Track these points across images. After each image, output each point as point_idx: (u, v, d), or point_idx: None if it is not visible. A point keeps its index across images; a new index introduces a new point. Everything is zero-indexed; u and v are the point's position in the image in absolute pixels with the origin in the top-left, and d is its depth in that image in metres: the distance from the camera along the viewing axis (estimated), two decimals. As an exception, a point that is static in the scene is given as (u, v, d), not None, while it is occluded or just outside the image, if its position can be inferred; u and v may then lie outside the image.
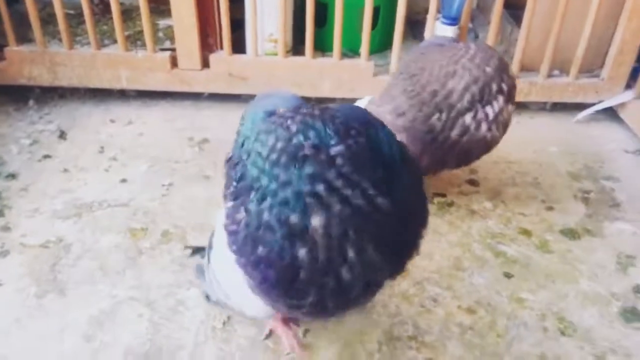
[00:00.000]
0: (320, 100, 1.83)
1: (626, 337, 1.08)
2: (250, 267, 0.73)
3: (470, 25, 2.08)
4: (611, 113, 1.81)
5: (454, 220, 1.36)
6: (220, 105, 1.79)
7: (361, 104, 1.36)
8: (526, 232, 1.33)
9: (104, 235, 1.27)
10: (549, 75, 1.75)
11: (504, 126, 1.25)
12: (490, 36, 1.67)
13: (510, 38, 1.86)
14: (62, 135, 1.63)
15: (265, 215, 0.69)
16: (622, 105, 1.77)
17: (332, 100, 1.82)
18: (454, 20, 1.53)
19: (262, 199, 0.70)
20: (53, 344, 1.02)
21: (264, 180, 0.70)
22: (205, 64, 1.72)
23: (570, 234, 1.33)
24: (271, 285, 0.73)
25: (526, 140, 1.68)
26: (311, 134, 0.70)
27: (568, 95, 1.78)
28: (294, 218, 0.68)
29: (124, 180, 1.45)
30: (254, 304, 0.83)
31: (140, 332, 1.04)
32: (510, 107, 1.24)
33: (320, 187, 0.67)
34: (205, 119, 1.73)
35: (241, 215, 0.73)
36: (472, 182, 1.50)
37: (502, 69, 1.22)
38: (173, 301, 1.11)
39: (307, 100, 1.80)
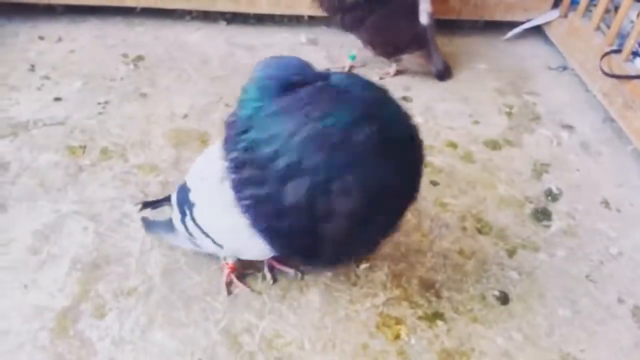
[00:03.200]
0: (258, 17, 1.82)
1: (535, 234, 1.21)
2: (269, 236, 0.77)
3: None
4: (538, 31, 1.89)
5: (388, 134, 1.43)
6: (154, 21, 1.74)
7: None
8: (452, 144, 1.42)
9: (42, 153, 1.27)
10: (481, -6, 1.80)
11: None
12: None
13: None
14: (-11, 53, 1.56)
15: (291, 197, 0.71)
16: (548, 23, 1.85)
17: (271, 17, 1.81)
18: None
19: (285, 180, 0.71)
20: (-1, 257, 1.05)
21: (284, 161, 0.70)
22: (137, -24, 1.66)
23: (492, 144, 1.44)
24: (290, 252, 0.81)
25: (457, 58, 1.74)
26: (335, 119, 0.71)
27: (499, 14, 1.84)
28: (321, 202, 0.71)
29: (58, 99, 1.42)
30: (254, 252, 0.89)
31: (86, 243, 1.08)
32: None
33: (350, 177, 0.70)
34: (139, 35, 1.69)
35: (258, 191, 0.74)
36: (405, 99, 1.57)
37: None
38: (117, 214, 1.15)
39: (244, 16, 1.79)
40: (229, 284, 1.04)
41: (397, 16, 1.49)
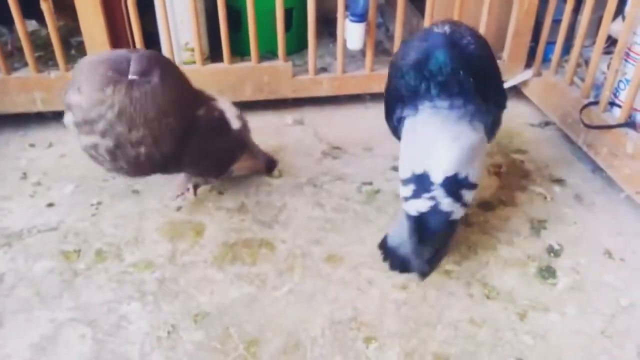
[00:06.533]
0: (243, 104, 1.86)
1: (543, 294, 1.19)
2: None
3: (381, 19, 2.18)
4: (515, 91, 1.95)
5: (382, 205, 1.44)
6: (143, 118, 1.78)
7: None
8: (448, 209, 1.42)
9: (37, 261, 1.25)
10: (456, 61, 1.86)
11: None
12: (397, 29, 1.76)
13: (417, 30, 1.96)
14: (-20, 165, 1.57)
15: None
16: (524, 83, 1.91)
17: (255, 102, 1.86)
18: (361, 17, 1.61)
19: None
20: (-6, 376, 1.01)
21: None
22: (123, 78, 1.71)
23: (487, 206, 1.44)
24: None
25: (441, 124, 1.78)
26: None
27: (475, 78, 1.90)
28: None
29: (50, 204, 1.42)
30: None
31: (84, 351, 1.04)
32: None
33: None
34: (129, 133, 1.72)
35: None
36: (395, 169, 1.58)
37: None
38: (115, 317, 1.12)
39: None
40: None
41: (212, 137, 1.27)
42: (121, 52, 1.14)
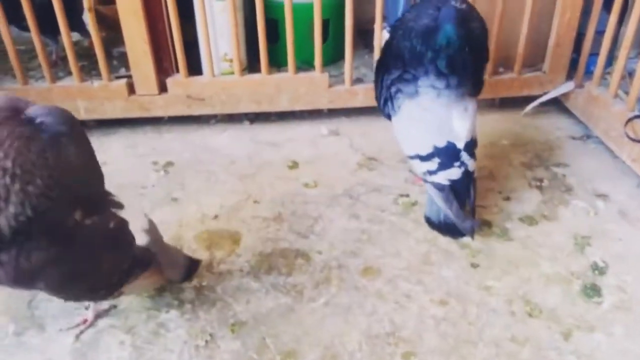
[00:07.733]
0: (280, 115, 1.88)
1: (588, 312, 1.15)
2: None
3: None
4: (556, 103, 1.91)
5: (419, 217, 1.42)
6: (181, 127, 1.81)
7: None
8: (487, 223, 1.39)
9: (77, 267, 1.27)
10: (494, 73, 1.84)
11: None
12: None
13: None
14: (24, 171, 1.61)
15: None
16: (565, 95, 1.87)
17: (291, 113, 1.86)
18: (400, 28, 1.59)
19: None
20: (36, 380, 1.02)
21: None
22: (163, 88, 1.74)
23: (528, 220, 1.41)
24: None
25: (479, 137, 1.75)
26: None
27: (514, 90, 1.87)
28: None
29: (91, 211, 1.45)
30: None
31: (124, 357, 1.05)
32: None
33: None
34: (167, 142, 1.75)
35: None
36: (433, 180, 1.56)
37: None
38: (153, 325, 1.12)
39: (266, 114, 1.85)
40: None
41: (95, 253, 0.94)
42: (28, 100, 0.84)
